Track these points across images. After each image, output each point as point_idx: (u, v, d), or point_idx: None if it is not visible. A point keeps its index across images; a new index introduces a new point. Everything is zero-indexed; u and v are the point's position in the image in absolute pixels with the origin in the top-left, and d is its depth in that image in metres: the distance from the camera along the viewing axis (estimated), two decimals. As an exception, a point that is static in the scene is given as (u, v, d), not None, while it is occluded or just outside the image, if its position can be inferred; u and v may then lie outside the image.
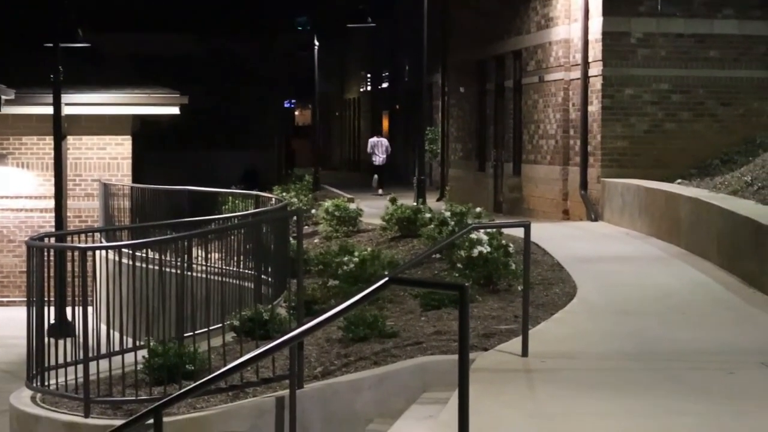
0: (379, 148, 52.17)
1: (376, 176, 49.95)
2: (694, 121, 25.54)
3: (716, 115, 25.45)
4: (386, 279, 9.57)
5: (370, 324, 12.65)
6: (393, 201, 25.86)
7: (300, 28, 56.98)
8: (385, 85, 54.52)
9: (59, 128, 27.34)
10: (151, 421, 9.45)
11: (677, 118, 25.59)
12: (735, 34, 25.67)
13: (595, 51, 25.98)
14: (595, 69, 26.00)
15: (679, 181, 23.44)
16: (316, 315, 10.91)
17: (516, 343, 12.14)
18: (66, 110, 27.74)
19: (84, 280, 13.36)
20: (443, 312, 13.62)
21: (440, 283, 13.43)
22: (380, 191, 47.48)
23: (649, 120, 25.62)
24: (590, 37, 26.12)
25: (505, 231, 17.10)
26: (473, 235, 16.17)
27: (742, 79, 25.50)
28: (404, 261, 17.81)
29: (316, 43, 53.49)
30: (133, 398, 11.64)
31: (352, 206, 25.32)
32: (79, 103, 29.28)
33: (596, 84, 25.99)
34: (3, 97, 26.91)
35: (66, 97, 27.59)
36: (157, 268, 15.45)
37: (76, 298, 13.78)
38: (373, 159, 51.42)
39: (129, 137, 32.49)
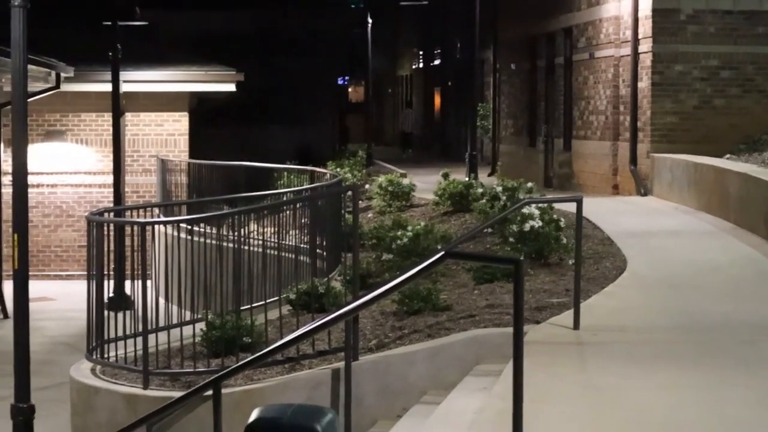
0: (407, 118, 53.73)
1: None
2: (742, 97, 25.47)
3: (765, 91, 25.38)
4: (442, 253, 9.57)
5: (424, 297, 12.68)
6: (445, 176, 25.84)
7: (353, 5, 56.95)
8: (437, 62, 54.40)
9: (117, 105, 27.51)
10: (210, 392, 9.51)
11: (726, 94, 25.54)
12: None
13: (645, 28, 25.92)
14: (645, 45, 25.94)
15: (728, 156, 23.36)
16: (371, 289, 10.94)
17: (568, 316, 12.14)
18: (124, 87, 27.90)
19: (143, 254, 13.43)
20: (495, 285, 13.64)
21: (495, 257, 13.41)
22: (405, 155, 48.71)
23: (698, 96, 25.57)
24: (640, 14, 26.05)
25: (556, 206, 17.09)
26: (525, 210, 16.17)
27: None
28: (457, 235, 17.83)
29: (369, 20, 53.49)
30: (192, 370, 11.71)
31: (405, 181, 25.34)
32: (136, 80, 29.41)
33: (646, 60, 25.94)
34: (62, 74, 27.03)
35: (124, 75, 27.76)
36: (214, 242, 15.54)
37: (135, 272, 13.86)
38: (404, 128, 53.10)
39: (186, 114, 32.63)
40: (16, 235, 13.59)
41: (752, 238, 18.18)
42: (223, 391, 9.70)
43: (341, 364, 10.54)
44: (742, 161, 22.38)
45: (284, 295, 13.81)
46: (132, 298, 15.13)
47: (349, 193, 17.23)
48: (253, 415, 5.63)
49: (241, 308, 13.54)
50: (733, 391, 9.41)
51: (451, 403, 9.75)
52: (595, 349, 11.06)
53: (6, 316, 24.77)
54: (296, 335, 10.42)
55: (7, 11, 13.22)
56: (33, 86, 24.77)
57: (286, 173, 23.71)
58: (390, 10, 54.44)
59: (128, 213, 19.29)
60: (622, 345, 11.21)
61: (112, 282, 15.26)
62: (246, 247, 16.03)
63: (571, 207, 14.67)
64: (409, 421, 9.66)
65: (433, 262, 9.17)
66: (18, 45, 13.27)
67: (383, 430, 9.76)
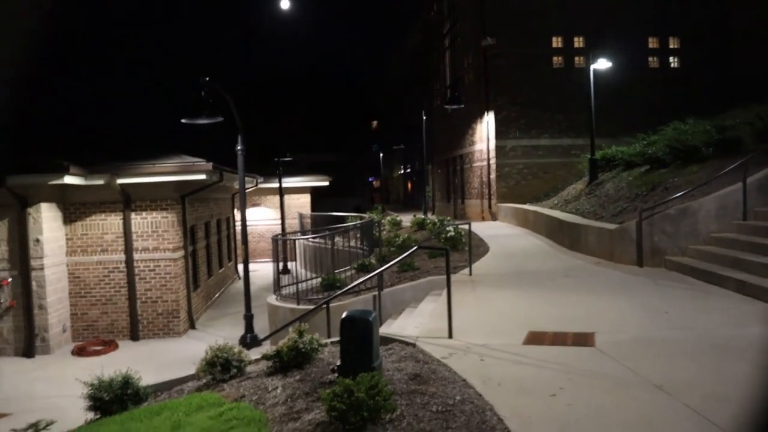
0: (399, 193, 53.65)
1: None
2: (532, 180, 25.37)
3: (541, 177, 25.28)
4: (416, 247, 9.60)
5: (408, 264, 12.65)
6: (414, 215, 25.81)
7: (374, 149, 57.29)
8: (408, 170, 54.19)
9: (281, 192, 27.50)
10: (325, 306, 9.51)
11: (525, 179, 25.43)
12: (548, 144, 25.52)
13: (492, 153, 25.88)
14: (492, 161, 25.89)
15: (527, 204, 23.30)
16: (386, 262, 10.93)
17: (467, 270, 12.14)
18: (284, 184, 27.94)
19: (294, 251, 13.42)
20: (438, 259, 13.58)
21: (437, 247, 13.35)
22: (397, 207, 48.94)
23: (514, 180, 25.45)
24: (490, 147, 26.05)
25: (460, 225, 17.03)
26: (448, 227, 16.16)
27: (552, 162, 25.31)
28: (420, 240, 17.73)
29: (381, 155, 53.55)
30: (317, 297, 11.71)
31: (398, 218, 25.19)
32: (288, 182, 29.47)
33: (493, 167, 25.89)
34: (258, 180, 27.13)
35: (284, 180, 27.81)
36: (323, 245, 15.52)
37: (289, 258, 13.90)
38: (396, 197, 53.30)
39: (309, 194, 32.64)
40: (242, 245, 13.59)
41: (539, 237, 18.15)
42: (331, 305, 9.72)
43: (376, 293, 10.52)
44: (533, 205, 22.32)
45: (352, 266, 13.82)
46: (289, 269, 15.13)
47: (375, 223, 17.29)
48: (344, 314, 5.66)
49: (335, 271, 13.55)
50: (535, 296, 9.42)
51: (422, 306, 9.73)
52: (478, 283, 11.03)
53: (239, 278, 24.74)
54: (358, 282, 10.43)
55: (233, 153, 13.31)
56: (248, 186, 24.85)
57: (351, 216, 23.59)
58: (389, 151, 54.34)
59: (287, 235, 19.32)
60: (489, 281, 11.19)
61: (281, 263, 15.20)
62: (335, 247, 16.06)
63: (466, 226, 14.72)
64: (405, 314, 9.63)
65: (412, 251, 9.21)
66: (241, 168, 13.33)
67: (395, 318, 9.72)
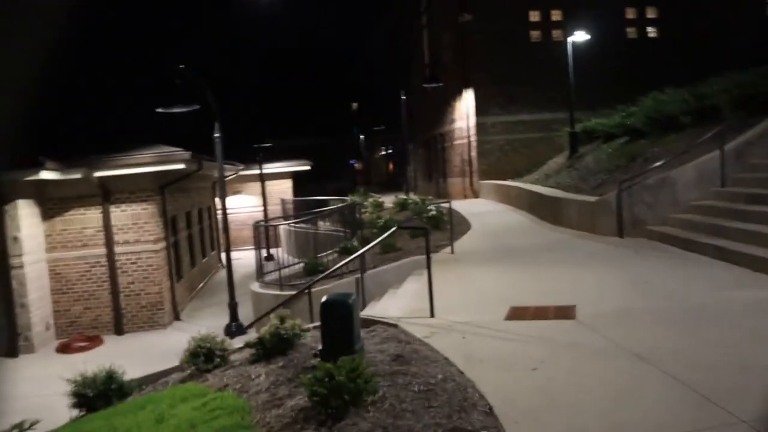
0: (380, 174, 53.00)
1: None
2: (513, 156, 25.30)
3: (522, 153, 25.22)
4: (396, 227, 9.60)
5: (391, 245, 12.64)
6: (396, 196, 25.79)
7: (354, 132, 56.91)
8: (390, 151, 54.01)
9: (262, 178, 27.38)
10: (306, 291, 9.50)
11: (507, 155, 25.38)
12: (528, 120, 25.46)
13: (472, 131, 25.86)
14: (473, 138, 25.87)
15: (509, 180, 23.28)
16: (368, 244, 10.92)
17: (449, 249, 12.16)
18: (265, 170, 27.78)
19: (275, 237, 13.36)
20: (421, 239, 13.51)
21: (419, 227, 13.37)
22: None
23: (495, 157, 25.44)
24: (470, 124, 26.02)
25: (441, 204, 17.01)
26: (429, 207, 16.16)
27: (533, 137, 25.22)
28: (402, 220, 17.72)
29: (362, 137, 53.36)
30: (299, 282, 11.67)
31: (380, 199, 25.14)
32: (268, 168, 29.30)
33: (474, 144, 25.86)
34: (238, 167, 26.97)
35: (265, 166, 27.65)
36: (305, 229, 15.46)
37: (273, 244, 13.84)
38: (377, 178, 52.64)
39: (290, 179, 32.47)
40: (224, 233, 13.53)
41: (521, 213, 18.17)
42: (314, 289, 9.71)
43: (358, 275, 10.52)
44: (514, 181, 22.33)
45: (335, 249, 13.80)
46: (273, 255, 15.08)
47: (357, 205, 17.26)
48: (324, 298, 5.66)
49: (318, 255, 13.53)
50: (517, 272, 9.47)
51: (404, 286, 9.76)
52: (461, 261, 11.06)
53: (223, 267, 24.68)
54: (339, 265, 10.43)
55: (212, 141, 13.21)
56: (228, 173, 24.68)
57: (333, 200, 23.49)
58: (370, 132, 54.12)
59: (268, 222, 19.21)
60: (471, 258, 11.22)
61: (264, 250, 15.13)
62: (318, 231, 16.01)
63: (447, 204, 14.73)
64: (388, 296, 9.65)
65: (392, 231, 9.21)
66: (219, 156, 13.24)
67: (378, 300, 9.73)
